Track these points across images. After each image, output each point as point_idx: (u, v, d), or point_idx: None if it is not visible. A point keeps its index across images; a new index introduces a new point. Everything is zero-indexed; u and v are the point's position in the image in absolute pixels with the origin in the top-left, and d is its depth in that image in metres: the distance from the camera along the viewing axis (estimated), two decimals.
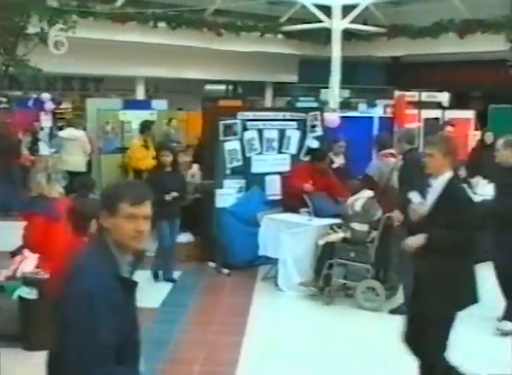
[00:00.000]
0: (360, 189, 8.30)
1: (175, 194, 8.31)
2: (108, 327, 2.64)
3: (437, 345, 4.84)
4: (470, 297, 4.92)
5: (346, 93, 16.95)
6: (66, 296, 2.71)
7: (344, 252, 7.75)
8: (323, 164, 9.10)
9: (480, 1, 17.13)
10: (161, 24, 17.00)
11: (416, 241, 4.95)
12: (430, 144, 5.08)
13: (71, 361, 2.65)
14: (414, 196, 5.09)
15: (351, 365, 5.97)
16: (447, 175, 4.90)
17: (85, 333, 2.61)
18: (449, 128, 10.52)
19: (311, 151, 9.64)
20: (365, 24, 18.59)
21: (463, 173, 9.86)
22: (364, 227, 7.74)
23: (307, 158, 9.59)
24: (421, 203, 5.03)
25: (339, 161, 9.86)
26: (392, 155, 8.27)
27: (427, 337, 4.82)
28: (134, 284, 2.86)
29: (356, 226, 7.78)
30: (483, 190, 9.18)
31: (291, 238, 8.17)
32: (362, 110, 15.18)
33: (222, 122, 9.39)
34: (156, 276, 8.65)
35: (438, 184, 4.89)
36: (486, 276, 6.12)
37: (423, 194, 4.99)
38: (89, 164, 12.83)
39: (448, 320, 4.83)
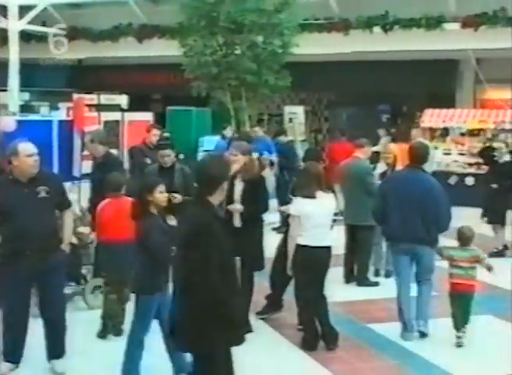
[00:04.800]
0: None
1: None
2: None
3: None
4: None
5: (27, 96, 16.60)
6: None
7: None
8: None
9: (156, 8, 17.96)
10: None
11: None
12: None
13: None
14: None
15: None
16: None
17: None
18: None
19: None
20: (44, 26, 18.30)
21: None
22: (87, 230, 7.75)
23: None
24: None
25: None
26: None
27: None
28: None
29: (82, 229, 7.76)
30: None
31: None
32: (44, 113, 15.01)
33: None
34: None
35: None
36: None
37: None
38: None
39: None
